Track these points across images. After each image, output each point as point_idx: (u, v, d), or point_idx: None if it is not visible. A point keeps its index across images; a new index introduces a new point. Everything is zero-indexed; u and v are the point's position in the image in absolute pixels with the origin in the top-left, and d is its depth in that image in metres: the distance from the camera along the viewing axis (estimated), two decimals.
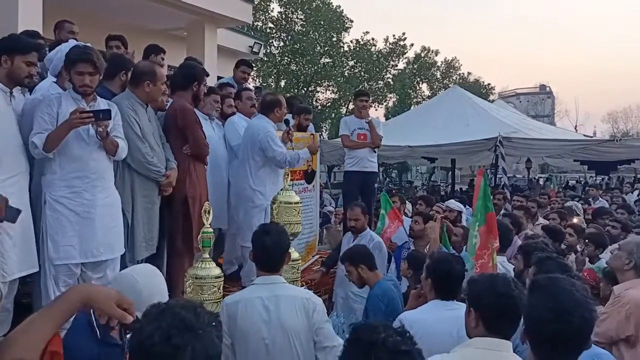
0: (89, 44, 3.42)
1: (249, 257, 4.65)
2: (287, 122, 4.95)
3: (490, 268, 3.51)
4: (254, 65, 22.10)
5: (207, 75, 4.25)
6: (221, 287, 3.17)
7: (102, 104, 3.32)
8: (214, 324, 1.28)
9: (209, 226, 3.15)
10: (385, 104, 29.02)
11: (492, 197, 4.26)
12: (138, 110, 3.67)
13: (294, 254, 3.40)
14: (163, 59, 5.62)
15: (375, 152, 6.49)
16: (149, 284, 2.28)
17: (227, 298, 2.87)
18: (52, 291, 3.10)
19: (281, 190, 3.84)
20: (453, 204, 6.23)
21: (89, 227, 3.19)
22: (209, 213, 3.21)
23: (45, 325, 1.26)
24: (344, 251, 4.20)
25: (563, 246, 4.89)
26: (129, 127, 3.54)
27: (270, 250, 2.73)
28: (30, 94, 3.71)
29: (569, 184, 27.04)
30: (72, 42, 3.56)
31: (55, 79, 3.64)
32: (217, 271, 3.15)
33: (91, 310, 2.25)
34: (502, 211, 6.52)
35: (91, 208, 3.19)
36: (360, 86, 26.28)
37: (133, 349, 1.24)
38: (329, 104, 26.69)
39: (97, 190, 3.23)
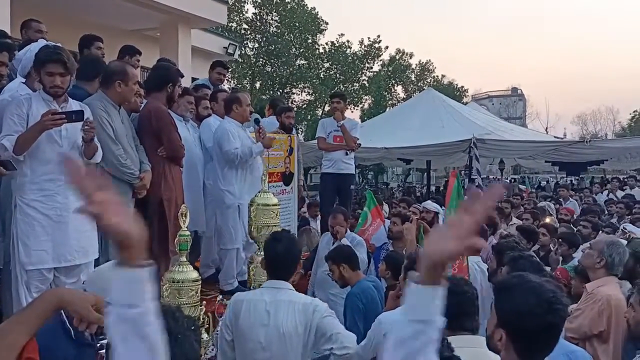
0: (59, 44, 3.34)
1: (225, 260, 4.71)
2: (257, 121, 4.91)
3: (465, 268, 3.57)
4: (228, 66, 22.09)
5: (182, 76, 4.21)
6: (199, 291, 3.14)
7: (73, 105, 3.25)
8: (192, 328, 1.27)
9: (185, 229, 3.12)
10: (360, 105, 29.15)
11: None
12: (110, 111, 3.61)
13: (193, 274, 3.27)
14: (139, 61, 5.54)
15: (347, 154, 6.49)
16: None
17: (236, 294, 2.91)
18: (23, 297, 3.01)
19: (259, 192, 3.83)
20: (430, 205, 6.29)
21: (62, 231, 3.11)
22: (185, 216, 3.17)
23: (19, 331, 1.21)
24: (329, 251, 4.18)
25: (537, 246, 4.97)
26: (101, 129, 3.47)
27: (281, 258, 2.75)
28: None
29: (541, 184, 27.60)
30: (41, 42, 3.48)
31: (24, 80, 3.54)
32: (194, 274, 3.12)
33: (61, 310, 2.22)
34: None
35: (64, 211, 3.11)
36: (336, 88, 26.33)
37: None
38: (305, 105, 26.68)
39: (70, 193, 3.14)
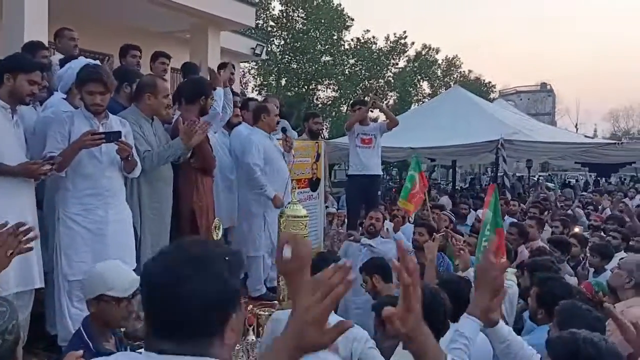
0: (98, 62, 3.46)
1: (252, 267, 4.80)
2: (284, 130, 4.99)
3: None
4: (256, 63, 22.22)
5: (214, 89, 4.29)
6: None
7: (114, 120, 3.37)
8: (227, 258, 1.19)
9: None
10: (386, 102, 28.99)
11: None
12: (143, 125, 3.72)
13: None
14: (163, 64, 5.67)
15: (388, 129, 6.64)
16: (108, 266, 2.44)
17: (276, 313, 3.00)
18: (65, 306, 3.16)
19: (288, 203, 3.90)
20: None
21: (101, 244, 3.24)
22: (218, 229, 3.27)
23: None
24: (364, 262, 4.18)
25: (567, 257, 4.91)
26: (135, 142, 3.58)
27: None
28: (40, 107, 3.76)
29: (568, 182, 27.05)
30: (82, 60, 3.59)
31: (64, 96, 3.68)
32: None
33: (82, 324, 2.35)
34: (506, 218, 6.54)
35: (103, 225, 3.24)
36: (361, 84, 26.27)
37: (140, 286, 1.22)
38: (330, 102, 26.68)
39: (110, 207, 3.28)
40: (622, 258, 4.02)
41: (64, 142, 3.16)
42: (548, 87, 62.24)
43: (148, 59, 5.85)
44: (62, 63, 3.90)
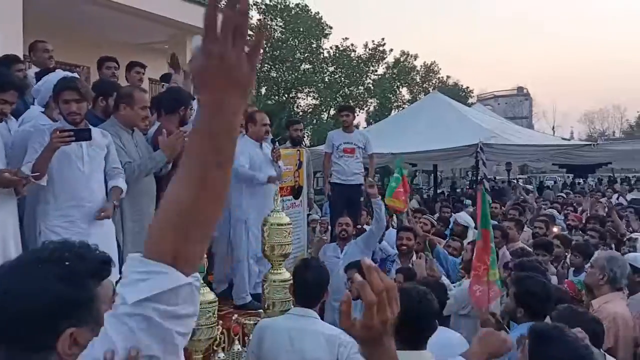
0: (75, 74, 3.45)
1: (237, 274, 4.79)
2: (273, 141, 5.02)
3: (485, 283, 3.55)
4: None
5: (194, 99, 4.29)
6: (215, 312, 3.22)
7: (95, 132, 3.35)
8: (67, 263, 1.08)
9: None
10: (366, 108, 29.22)
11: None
12: (122, 136, 3.70)
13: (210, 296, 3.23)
14: (139, 73, 5.67)
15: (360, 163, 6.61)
16: None
17: (262, 321, 2.98)
18: None
19: (271, 211, 3.91)
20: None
21: None
22: None
23: None
24: (352, 261, 4.22)
25: (551, 257, 4.97)
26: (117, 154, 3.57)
27: (309, 286, 2.79)
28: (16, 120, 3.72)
29: (547, 186, 27.42)
30: (59, 72, 3.57)
31: (43, 109, 3.65)
32: (211, 296, 3.20)
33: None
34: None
35: (85, 237, 3.14)
36: (341, 91, 26.42)
37: None
38: (310, 110, 26.78)
39: (91, 219, 3.25)
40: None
41: None
42: (525, 91, 63.25)
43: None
44: (38, 76, 3.87)
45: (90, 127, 3.36)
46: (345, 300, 1.08)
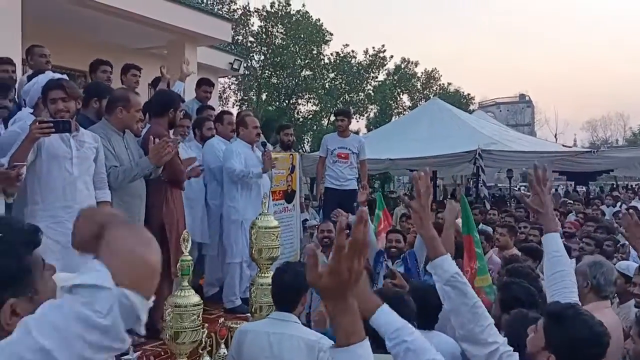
0: (64, 75, 3.46)
1: (227, 276, 4.78)
2: (264, 144, 5.02)
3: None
4: (236, 78, 22.30)
5: (183, 101, 4.30)
6: (200, 315, 3.20)
7: (86, 134, 3.34)
8: None
9: (187, 254, 3.19)
10: (366, 115, 29.25)
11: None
12: (113, 138, 3.70)
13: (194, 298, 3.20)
14: (135, 76, 5.69)
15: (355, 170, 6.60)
16: None
17: (243, 325, 2.98)
18: None
19: (260, 215, 3.90)
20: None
21: (71, 256, 3.18)
22: (187, 241, 3.24)
23: None
24: None
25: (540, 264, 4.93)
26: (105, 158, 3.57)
27: (287, 290, 2.77)
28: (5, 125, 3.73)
29: None
30: (48, 74, 3.58)
31: (32, 110, 3.65)
32: (196, 299, 3.18)
33: None
34: (480, 226, 6.60)
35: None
36: (341, 98, 26.47)
37: None
38: (311, 116, 26.83)
39: None
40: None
41: (32, 152, 3.12)
42: (527, 98, 63.15)
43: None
44: (30, 79, 3.88)
45: (80, 128, 3.36)
46: (312, 253, 1.15)
